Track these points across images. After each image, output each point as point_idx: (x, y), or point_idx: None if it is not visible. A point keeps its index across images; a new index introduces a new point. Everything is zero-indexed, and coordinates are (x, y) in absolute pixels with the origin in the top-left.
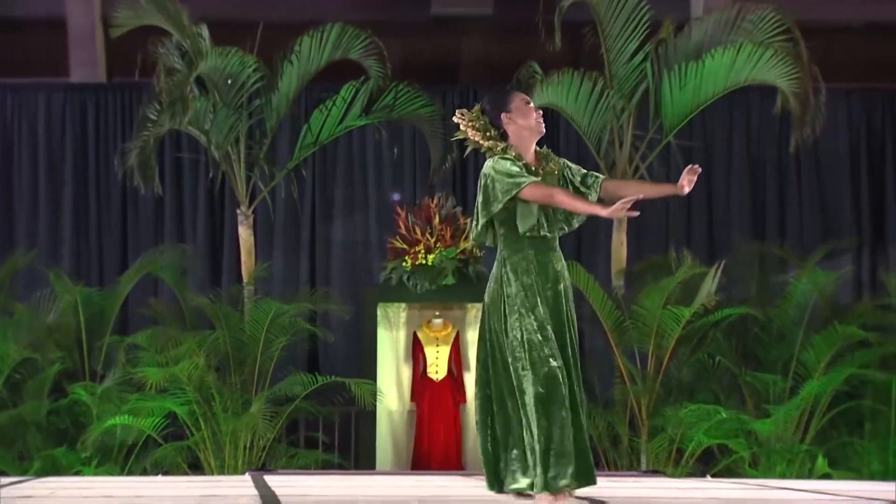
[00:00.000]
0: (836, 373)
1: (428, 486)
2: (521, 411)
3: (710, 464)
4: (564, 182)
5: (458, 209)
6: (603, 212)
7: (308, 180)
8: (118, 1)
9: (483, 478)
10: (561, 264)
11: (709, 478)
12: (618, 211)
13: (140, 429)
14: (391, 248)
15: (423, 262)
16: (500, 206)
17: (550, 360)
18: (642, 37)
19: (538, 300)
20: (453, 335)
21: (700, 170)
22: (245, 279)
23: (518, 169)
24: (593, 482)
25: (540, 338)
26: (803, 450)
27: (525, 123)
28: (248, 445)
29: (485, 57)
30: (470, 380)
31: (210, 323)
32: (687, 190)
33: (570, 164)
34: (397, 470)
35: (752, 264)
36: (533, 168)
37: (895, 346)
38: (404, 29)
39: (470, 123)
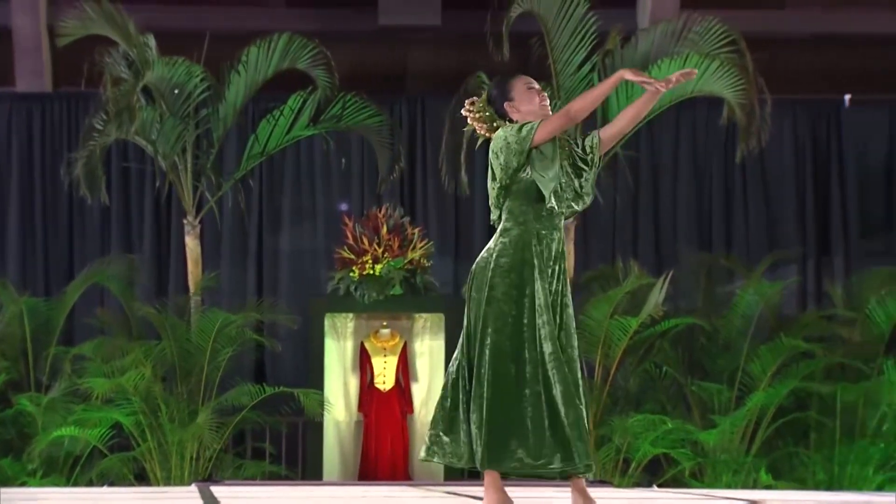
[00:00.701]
0: (781, 384)
1: (375, 496)
2: (475, 386)
3: (657, 474)
4: (572, 156)
5: (406, 219)
6: (626, 73)
7: (255, 190)
8: (64, 10)
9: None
10: (563, 247)
11: (655, 488)
12: (643, 79)
13: (86, 440)
14: (338, 258)
15: (371, 272)
16: (522, 157)
17: (519, 352)
18: (589, 48)
19: (535, 275)
20: (401, 345)
21: (695, 75)
22: (192, 289)
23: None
24: (543, 468)
25: (508, 331)
26: (749, 460)
27: (529, 109)
28: (194, 456)
29: (433, 67)
30: (417, 390)
31: (157, 333)
32: (671, 87)
33: (570, 139)
34: (344, 480)
35: (699, 275)
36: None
37: (840, 357)
38: (352, 39)
39: (477, 115)
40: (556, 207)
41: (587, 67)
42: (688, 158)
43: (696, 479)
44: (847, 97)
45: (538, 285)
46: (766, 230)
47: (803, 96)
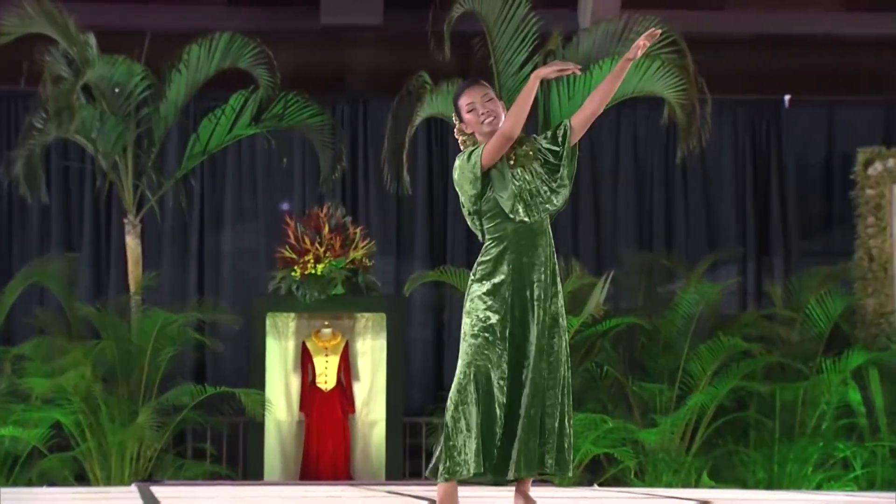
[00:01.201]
0: (721, 384)
1: (316, 496)
2: (457, 400)
3: (598, 473)
4: (541, 155)
5: (348, 219)
6: (542, 71)
7: (197, 189)
8: (4, 8)
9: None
10: (550, 250)
11: (596, 487)
12: (560, 68)
13: (26, 440)
14: (280, 257)
15: (313, 271)
16: (479, 182)
17: (487, 369)
18: (531, 48)
19: (520, 287)
20: (342, 345)
21: (659, 34)
22: (132, 289)
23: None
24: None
25: (488, 336)
26: (689, 459)
27: (476, 131)
28: (134, 456)
29: (375, 66)
30: (359, 390)
31: (97, 333)
32: (640, 53)
33: (539, 137)
34: (286, 480)
35: (640, 274)
36: (504, 156)
37: (779, 357)
38: (294, 38)
39: (457, 130)
40: (526, 220)
41: (529, 67)
42: (628, 158)
43: (637, 478)
44: (787, 97)
45: (520, 297)
46: (706, 230)
47: (743, 96)
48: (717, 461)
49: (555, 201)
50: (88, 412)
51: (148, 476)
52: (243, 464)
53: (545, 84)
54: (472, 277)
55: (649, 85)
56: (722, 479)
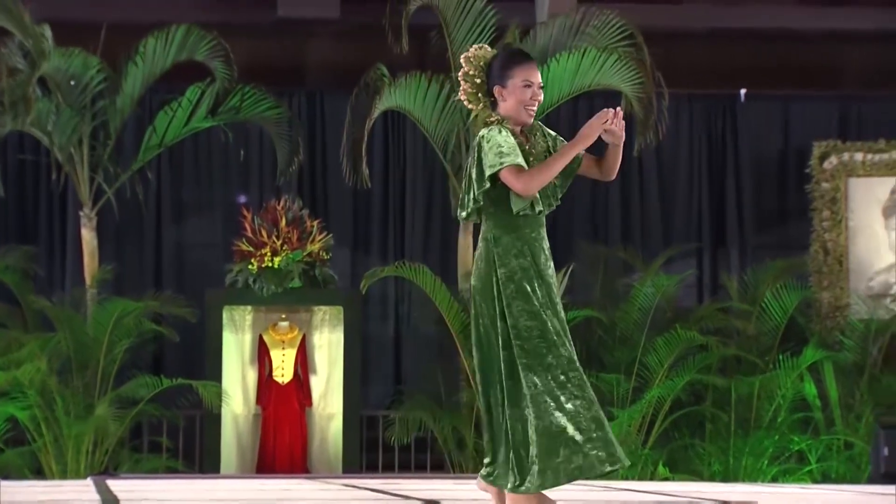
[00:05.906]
0: (678, 377)
1: (273, 489)
2: (509, 405)
3: None
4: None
5: (305, 212)
6: (580, 144)
7: (154, 182)
8: None
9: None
10: (547, 242)
11: None
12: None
13: None
14: (237, 250)
15: (270, 264)
16: (486, 184)
17: (559, 348)
18: (488, 41)
19: (535, 283)
20: (299, 338)
21: (620, 113)
22: (88, 282)
23: (510, 145)
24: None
25: (541, 325)
26: (646, 453)
27: (512, 105)
28: (90, 450)
29: (332, 59)
30: (316, 383)
31: (52, 326)
32: (621, 136)
33: (559, 138)
34: (242, 473)
35: (596, 267)
36: (525, 146)
37: (735, 350)
38: (251, 31)
39: (468, 76)
40: (542, 209)
41: None
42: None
43: None
44: (742, 91)
45: (539, 292)
46: (662, 223)
47: (699, 90)
48: (673, 454)
49: (555, 201)
50: (44, 406)
51: (104, 469)
52: (200, 457)
53: None
54: (486, 267)
55: (606, 78)
56: (678, 471)
